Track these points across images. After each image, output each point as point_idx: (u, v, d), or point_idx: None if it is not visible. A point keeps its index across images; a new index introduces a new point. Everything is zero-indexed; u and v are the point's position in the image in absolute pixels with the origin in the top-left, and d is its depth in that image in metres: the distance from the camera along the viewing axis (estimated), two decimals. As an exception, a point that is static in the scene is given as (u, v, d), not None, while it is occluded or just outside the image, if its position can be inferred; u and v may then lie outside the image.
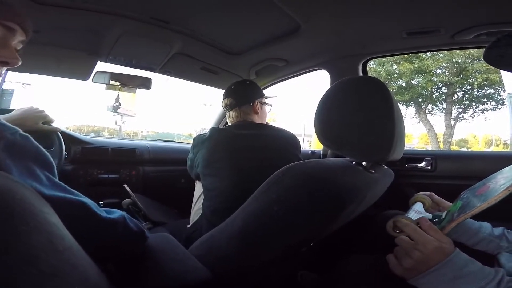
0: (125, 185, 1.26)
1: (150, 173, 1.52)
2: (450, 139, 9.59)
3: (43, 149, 0.38)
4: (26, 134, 0.36)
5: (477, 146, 15.21)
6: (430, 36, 1.00)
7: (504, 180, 0.55)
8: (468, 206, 0.55)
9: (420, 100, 9.47)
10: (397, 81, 9.22)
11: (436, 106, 9.65)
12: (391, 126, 0.55)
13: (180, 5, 0.93)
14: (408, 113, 9.95)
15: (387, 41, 1.11)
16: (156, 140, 1.94)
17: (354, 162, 0.65)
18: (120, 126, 10.28)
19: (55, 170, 0.39)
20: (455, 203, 0.64)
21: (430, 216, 0.64)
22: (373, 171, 0.65)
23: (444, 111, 9.51)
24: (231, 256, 0.54)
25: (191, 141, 1.14)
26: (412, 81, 9.08)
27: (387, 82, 9.21)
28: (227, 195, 0.89)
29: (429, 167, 1.18)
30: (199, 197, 1.12)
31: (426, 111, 9.66)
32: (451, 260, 0.48)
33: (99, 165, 1.39)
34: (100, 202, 1.31)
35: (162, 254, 0.50)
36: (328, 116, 0.61)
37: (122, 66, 1.32)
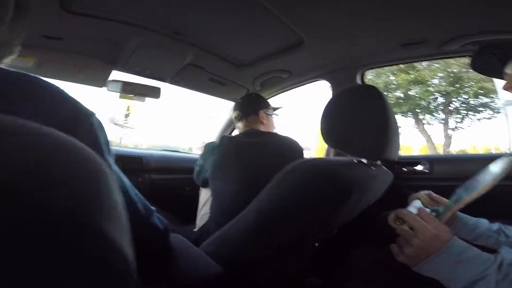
0: None
1: (156, 181, 1.55)
2: (448, 149, 9.61)
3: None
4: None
5: (477, 156, 14.97)
6: (420, 46, 1.07)
7: (488, 176, 0.61)
8: (460, 199, 0.62)
9: (418, 110, 9.55)
10: (395, 92, 9.31)
11: (434, 116, 9.72)
12: (386, 127, 0.62)
13: (197, 19, 1.00)
14: (406, 124, 10.01)
15: (382, 53, 1.19)
16: (161, 149, 1.97)
17: (355, 161, 0.72)
18: (121, 137, 10.31)
19: None
20: (451, 197, 0.71)
21: (428, 211, 0.70)
22: (373, 168, 0.72)
23: (442, 121, 9.58)
24: (243, 247, 0.58)
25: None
26: (410, 92, 9.17)
27: (384, 93, 9.26)
28: (235, 196, 0.95)
29: (426, 170, 1.23)
30: (204, 203, 1.18)
31: (424, 122, 9.73)
32: (449, 246, 0.50)
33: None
34: None
35: (176, 253, 0.53)
36: (332, 120, 0.68)
37: (131, 75, 1.34)
